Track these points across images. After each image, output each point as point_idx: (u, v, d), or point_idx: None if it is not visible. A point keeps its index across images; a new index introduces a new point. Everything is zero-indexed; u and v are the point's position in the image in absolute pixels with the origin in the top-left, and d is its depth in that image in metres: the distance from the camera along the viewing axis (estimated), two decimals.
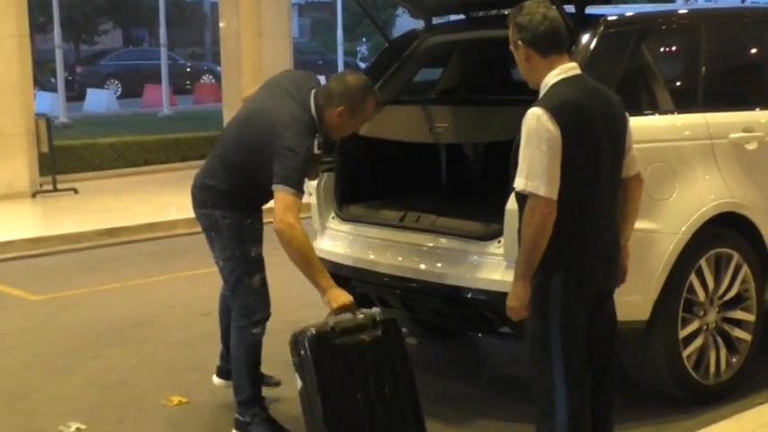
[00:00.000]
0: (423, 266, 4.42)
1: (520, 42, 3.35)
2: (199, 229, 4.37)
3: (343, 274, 4.73)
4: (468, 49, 5.60)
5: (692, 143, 4.40)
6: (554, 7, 3.37)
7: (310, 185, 4.98)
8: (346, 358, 3.76)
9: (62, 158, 12.49)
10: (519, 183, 3.22)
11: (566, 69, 3.34)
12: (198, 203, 4.25)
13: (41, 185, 11.57)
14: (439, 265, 4.37)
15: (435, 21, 5.32)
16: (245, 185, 4.11)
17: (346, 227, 4.87)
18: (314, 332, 3.72)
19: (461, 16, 5.27)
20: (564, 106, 3.22)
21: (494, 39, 5.26)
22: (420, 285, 4.42)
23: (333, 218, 4.95)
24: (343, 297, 3.86)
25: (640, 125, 4.24)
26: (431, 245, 4.45)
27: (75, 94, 25.57)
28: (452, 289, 4.27)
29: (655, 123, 4.37)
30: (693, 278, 4.31)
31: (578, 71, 3.38)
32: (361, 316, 3.83)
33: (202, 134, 14.66)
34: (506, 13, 5.25)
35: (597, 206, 3.30)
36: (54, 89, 19.65)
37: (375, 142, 4.90)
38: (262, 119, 4.01)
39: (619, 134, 3.40)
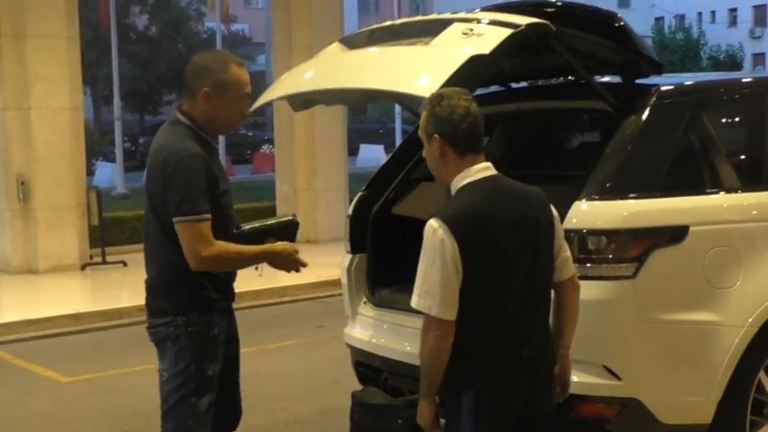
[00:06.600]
0: None
1: (436, 136, 2.95)
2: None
3: (375, 366, 4.40)
4: (511, 120, 5.25)
5: (759, 225, 3.97)
6: (474, 100, 2.97)
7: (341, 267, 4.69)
8: None
9: (114, 230, 12.45)
10: (413, 300, 2.89)
11: (474, 172, 2.95)
12: (154, 312, 3.53)
13: (91, 257, 11.47)
14: None
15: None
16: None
17: (378, 313, 4.51)
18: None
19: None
20: (462, 217, 2.85)
21: (539, 110, 4.94)
22: None
23: (364, 303, 4.61)
24: None
25: (700, 205, 3.88)
26: None
27: (137, 164, 25.87)
28: None
29: (717, 203, 3.95)
30: (762, 376, 3.86)
31: (489, 172, 2.97)
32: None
33: (255, 204, 14.55)
34: (553, 83, 4.98)
35: (511, 321, 2.89)
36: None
37: (410, 221, 4.55)
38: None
39: (539, 238, 2.95)
